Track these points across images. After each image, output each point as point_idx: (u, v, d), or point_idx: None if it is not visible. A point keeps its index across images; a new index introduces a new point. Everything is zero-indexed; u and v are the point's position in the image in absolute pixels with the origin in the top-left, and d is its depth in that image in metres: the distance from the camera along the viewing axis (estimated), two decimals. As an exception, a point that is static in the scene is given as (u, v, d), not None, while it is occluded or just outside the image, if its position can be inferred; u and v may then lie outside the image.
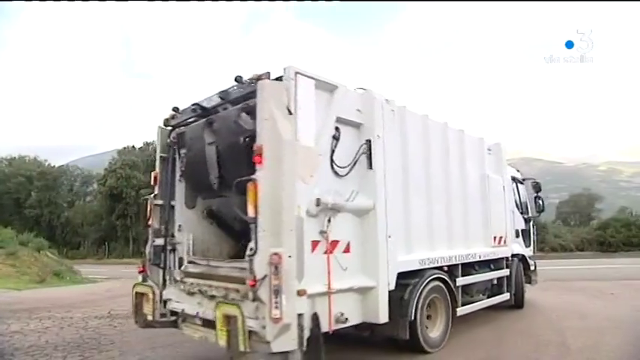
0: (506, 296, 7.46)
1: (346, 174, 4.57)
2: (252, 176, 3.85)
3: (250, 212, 3.85)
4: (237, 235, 5.33)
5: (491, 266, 7.07)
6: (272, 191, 3.83)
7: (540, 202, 9.12)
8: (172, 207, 5.27)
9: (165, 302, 5.01)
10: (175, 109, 5.26)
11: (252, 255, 3.79)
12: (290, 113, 3.99)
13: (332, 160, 4.47)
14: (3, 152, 52.44)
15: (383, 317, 4.65)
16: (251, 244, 3.87)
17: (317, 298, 4.08)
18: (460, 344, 5.94)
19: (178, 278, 5.03)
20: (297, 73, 4.10)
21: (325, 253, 4.23)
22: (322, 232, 4.23)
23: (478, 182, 6.79)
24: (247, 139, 4.19)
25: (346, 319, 4.39)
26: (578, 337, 6.05)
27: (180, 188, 5.34)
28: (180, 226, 5.26)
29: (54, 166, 46.27)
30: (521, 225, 8.49)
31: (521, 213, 8.60)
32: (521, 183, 8.91)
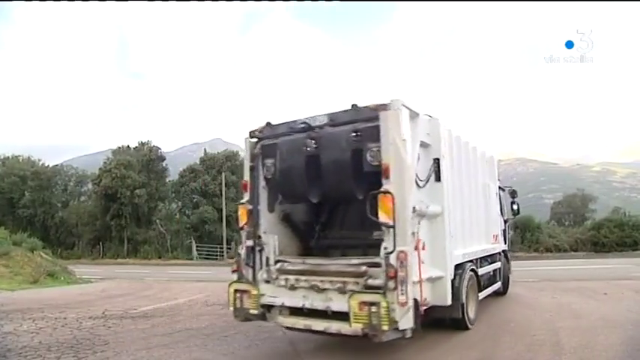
0: (499, 284, 8.84)
1: (424, 186, 5.57)
2: (385, 188, 4.80)
3: (384, 218, 4.77)
4: (302, 235, 6.41)
5: (489, 260, 8.22)
6: (397, 200, 4.78)
7: (516, 206, 10.74)
8: (258, 211, 5.93)
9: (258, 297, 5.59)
10: (268, 124, 6.00)
11: (390, 252, 4.71)
12: (403, 139, 5.01)
13: (416, 175, 5.40)
14: (-4, 151, 51.88)
15: (449, 300, 5.77)
16: (386, 244, 4.78)
17: (415, 286, 4.94)
18: (454, 344, 5.98)
19: (274, 276, 5.67)
20: (402, 104, 5.14)
21: (415, 249, 5.04)
22: (414, 233, 5.03)
23: (482, 190, 7.93)
24: (353, 156, 5.22)
25: (428, 302, 5.38)
26: (572, 337, 6.09)
27: (263, 194, 6.04)
28: (265, 228, 5.94)
29: (48, 165, 45.69)
30: (502, 225, 9.76)
31: (502, 215, 9.79)
32: (503, 190, 10.17)
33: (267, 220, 6.00)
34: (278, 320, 5.60)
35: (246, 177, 6.10)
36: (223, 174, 36.13)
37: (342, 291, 5.02)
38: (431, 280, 5.53)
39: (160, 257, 34.80)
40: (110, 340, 6.58)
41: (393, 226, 4.75)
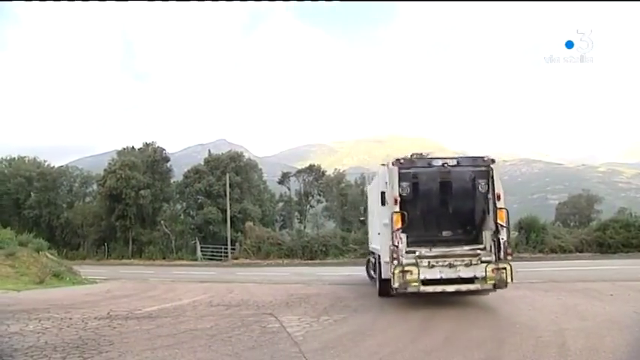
0: None
1: None
2: (501, 206, 8.55)
3: (502, 222, 8.47)
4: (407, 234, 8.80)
5: None
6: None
7: None
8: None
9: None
10: (411, 158, 9.19)
11: (506, 241, 8.50)
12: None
13: None
14: (3, 153, 52.27)
15: None
16: (502, 236, 8.45)
17: None
18: (460, 345, 5.96)
19: (416, 261, 8.44)
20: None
21: None
22: None
23: None
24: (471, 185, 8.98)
25: None
26: (578, 339, 6.06)
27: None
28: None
29: (53, 166, 45.89)
30: None
31: None
32: None
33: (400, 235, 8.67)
34: (420, 289, 8.35)
35: (396, 193, 8.68)
36: (228, 175, 36.18)
37: (468, 265, 8.41)
38: None
39: (164, 258, 34.92)
40: (115, 341, 6.60)
41: (507, 227, 8.61)
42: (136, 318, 8.63)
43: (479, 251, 8.59)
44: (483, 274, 8.26)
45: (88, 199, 45.44)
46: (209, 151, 46.46)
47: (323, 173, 45.92)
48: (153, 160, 39.93)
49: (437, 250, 8.75)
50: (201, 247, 34.47)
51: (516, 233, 29.08)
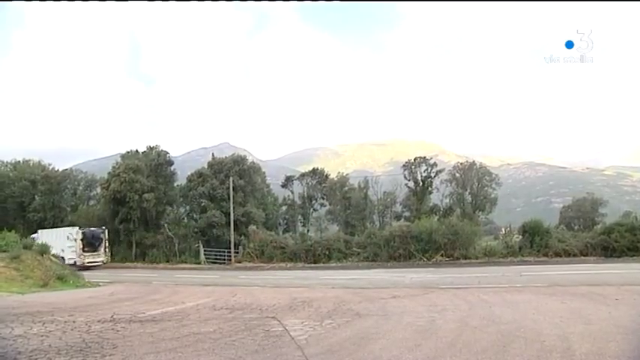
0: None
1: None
2: (107, 243, 34.82)
3: (106, 244, 34.41)
4: (82, 250, 32.62)
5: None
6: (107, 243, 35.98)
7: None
8: (84, 244, 33.13)
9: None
10: (86, 229, 34.28)
11: (108, 250, 34.37)
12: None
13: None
14: (7, 156, 52.60)
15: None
16: (107, 249, 33.82)
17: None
18: (463, 349, 5.93)
19: (86, 255, 32.38)
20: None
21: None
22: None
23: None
24: (100, 236, 34.29)
25: None
26: (583, 343, 6.01)
27: (78, 243, 32.53)
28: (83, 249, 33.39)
29: (58, 170, 46.14)
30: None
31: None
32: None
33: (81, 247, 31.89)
34: (86, 264, 30.27)
35: (81, 237, 31.93)
36: (231, 178, 36.25)
37: (98, 257, 32.60)
38: None
39: (167, 261, 34.97)
40: (119, 344, 6.61)
41: (110, 246, 34.70)
42: (140, 321, 8.64)
43: (100, 253, 32.50)
44: (102, 259, 32.46)
45: (92, 202, 45.62)
46: (212, 154, 46.48)
47: (326, 177, 45.94)
48: (157, 164, 40.01)
49: (90, 252, 31.58)
50: (205, 251, 34.51)
51: (520, 237, 28.96)
